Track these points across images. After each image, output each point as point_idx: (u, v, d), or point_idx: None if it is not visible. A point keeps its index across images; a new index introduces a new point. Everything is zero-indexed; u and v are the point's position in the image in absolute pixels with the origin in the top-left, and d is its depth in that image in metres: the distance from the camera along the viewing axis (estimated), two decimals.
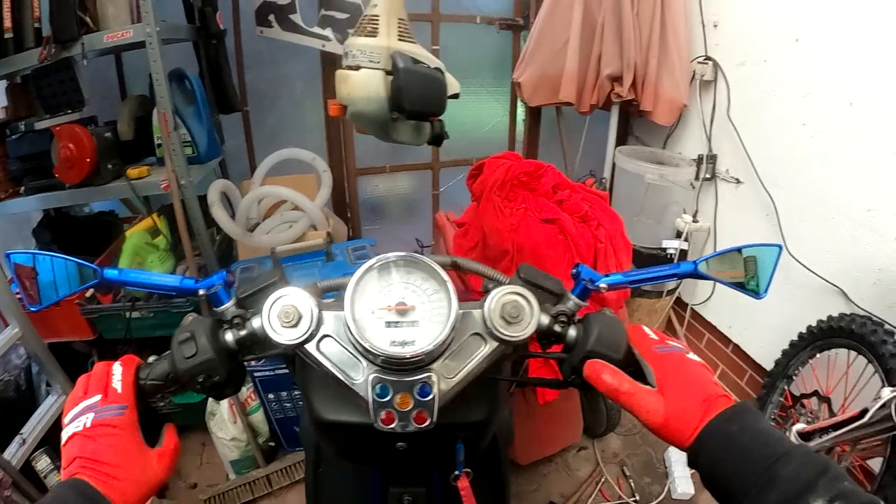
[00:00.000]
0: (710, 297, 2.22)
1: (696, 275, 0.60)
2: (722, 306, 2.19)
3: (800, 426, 1.39)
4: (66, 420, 0.49)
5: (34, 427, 1.57)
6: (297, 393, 1.72)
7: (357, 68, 0.97)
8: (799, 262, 1.74)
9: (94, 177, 1.59)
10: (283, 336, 0.53)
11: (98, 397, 0.50)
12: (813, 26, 1.65)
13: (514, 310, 0.54)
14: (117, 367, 0.54)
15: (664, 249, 2.14)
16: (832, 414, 1.50)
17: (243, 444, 1.75)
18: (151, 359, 0.56)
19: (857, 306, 1.57)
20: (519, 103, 2.61)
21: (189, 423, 1.90)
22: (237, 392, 0.57)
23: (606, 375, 0.51)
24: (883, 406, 1.15)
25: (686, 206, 2.21)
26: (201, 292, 0.58)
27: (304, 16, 2.03)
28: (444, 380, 0.54)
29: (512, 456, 1.75)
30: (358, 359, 0.54)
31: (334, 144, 2.38)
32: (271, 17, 2.03)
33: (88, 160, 1.54)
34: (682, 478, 1.79)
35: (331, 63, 2.18)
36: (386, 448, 0.59)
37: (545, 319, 0.57)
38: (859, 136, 1.54)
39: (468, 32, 2.45)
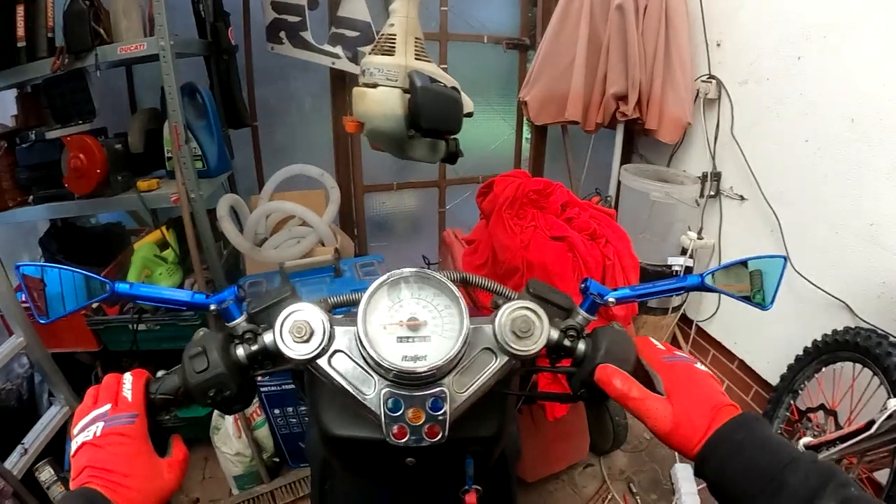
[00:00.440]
0: (714, 313, 2.21)
1: (703, 287, 0.61)
2: (727, 322, 2.18)
3: (806, 439, 1.39)
4: (75, 430, 0.49)
5: (36, 437, 1.56)
6: (303, 408, 1.71)
7: (374, 86, 0.98)
8: (803, 277, 1.74)
9: (103, 188, 1.60)
10: (296, 351, 0.53)
11: (108, 406, 0.50)
12: (814, 45, 1.67)
13: (525, 324, 0.55)
14: (128, 378, 0.54)
15: (669, 266, 2.14)
16: (838, 427, 1.49)
17: (248, 459, 1.74)
18: (161, 373, 0.56)
19: (862, 320, 1.57)
20: (525, 122, 2.63)
21: (192, 438, 1.88)
22: (247, 407, 0.57)
23: (617, 380, 0.52)
24: (889, 417, 1.15)
25: (691, 223, 2.21)
26: (213, 307, 0.59)
27: (314, 33, 2.06)
28: (455, 394, 0.54)
29: (519, 473, 1.74)
30: (369, 374, 0.54)
31: (342, 161, 2.39)
32: (282, 34, 2.06)
33: (98, 171, 1.54)
34: (689, 494, 1.75)
35: (340, 80, 2.21)
36: (395, 464, 0.59)
37: (555, 334, 0.58)
38: (861, 151, 1.56)
39: (475, 52, 2.48)
